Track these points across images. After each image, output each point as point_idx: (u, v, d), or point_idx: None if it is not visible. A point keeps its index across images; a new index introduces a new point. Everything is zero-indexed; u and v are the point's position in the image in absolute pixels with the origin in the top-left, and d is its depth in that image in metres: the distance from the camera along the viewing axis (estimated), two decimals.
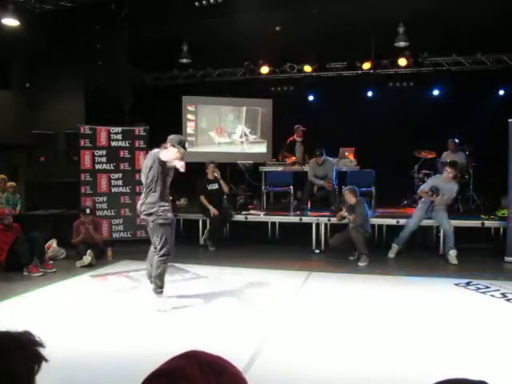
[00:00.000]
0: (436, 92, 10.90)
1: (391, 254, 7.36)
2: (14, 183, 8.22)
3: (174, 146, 4.52)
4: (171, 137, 4.65)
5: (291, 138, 9.68)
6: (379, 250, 7.67)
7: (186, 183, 10.09)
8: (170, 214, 4.67)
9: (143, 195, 4.69)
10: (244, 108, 11.48)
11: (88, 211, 7.28)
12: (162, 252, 4.62)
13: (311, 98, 11.93)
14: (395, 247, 7.36)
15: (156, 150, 4.66)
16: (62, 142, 8.92)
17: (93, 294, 5.30)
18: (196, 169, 9.26)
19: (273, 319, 4.41)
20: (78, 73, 8.96)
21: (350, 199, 7.20)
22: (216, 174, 8.14)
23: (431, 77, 10.47)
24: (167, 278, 6.02)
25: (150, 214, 4.58)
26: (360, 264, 6.85)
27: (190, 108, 11.28)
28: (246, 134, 11.43)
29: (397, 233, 7.59)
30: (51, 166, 8.77)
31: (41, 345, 0.99)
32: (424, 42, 9.26)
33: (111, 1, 8.39)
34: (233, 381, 0.78)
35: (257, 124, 11.49)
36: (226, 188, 8.29)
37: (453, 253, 6.90)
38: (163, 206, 4.59)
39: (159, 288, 4.71)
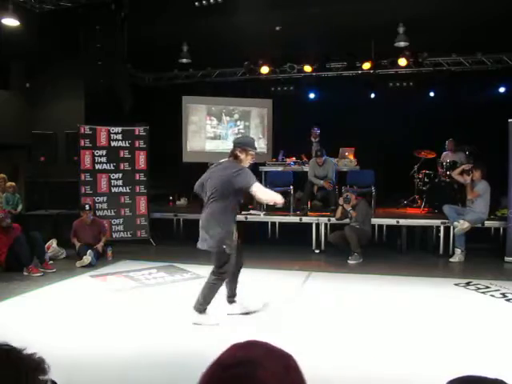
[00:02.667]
0: (436, 92, 10.89)
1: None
2: (13, 183, 8.22)
3: (245, 150, 4.04)
4: (239, 140, 4.21)
5: (308, 139, 9.71)
6: (379, 250, 7.68)
7: (186, 183, 10.12)
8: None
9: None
10: (244, 108, 11.48)
11: (87, 207, 7.29)
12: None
13: (311, 98, 11.93)
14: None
15: (228, 166, 4.05)
16: (62, 142, 8.90)
17: (93, 294, 5.30)
18: (196, 169, 9.28)
19: (273, 319, 4.41)
20: (78, 73, 8.95)
21: (351, 199, 7.30)
22: None
23: (431, 77, 10.47)
24: (167, 277, 6.04)
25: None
26: (350, 262, 6.97)
27: (190, 108, 11.28)
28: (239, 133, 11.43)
29: (397, 233, 7.60)
30: (51, 166, 8.76)
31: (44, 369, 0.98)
32: (424, 42, 9.26)
33: (111, 1, 8.40)
34: (294, 365, 0.79)
35: (257, 124, 11.49)
36: None
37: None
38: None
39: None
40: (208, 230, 4.08)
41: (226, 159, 4.16)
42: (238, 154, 4.04)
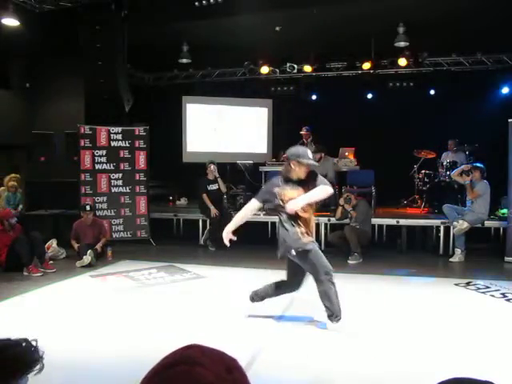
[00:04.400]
0: (436, 92, 10.89)
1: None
2: (15, 183, 8.18)
3: (299, 163, 3.85)
4: (291, 152, 3.96)
5: (300, 141, 9.66)
6: (379, 250, 7.68)
7: (186, 183, 10.14)
8: None
9: None
10: (244, 108, 11.48)
11: (88, 208, 7.28)
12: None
13: (311, 97, 11.93)
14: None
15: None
16: (62, 142, 8.91)
17: (93, 294, 5.30)
18: (196, 169, 9.29)
19: (272, 320, 4.41)
20: (78, 73, 8.95)
21: (352, 200, 7.31)
22: (216, 174, 8.17)
23: (431, 77, 10.47)
24: (167, 277, 6.04)
25: None
26: (350, 262, 6.97)
27: (190, 108, 11.28)
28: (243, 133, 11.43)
29: (397, 233, 7.60)
30: (51, 166, 8.76)
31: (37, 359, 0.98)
32: (424, 42, 9.26)
33: (111, 1, 8.39)
34: (234, 364, 0.80)
35: (257, 124, 11.49)
36: (223, 188, 8.30)
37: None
38: None
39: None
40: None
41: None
42: (293, 167, 3.90)
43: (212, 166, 8.22)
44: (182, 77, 11.79)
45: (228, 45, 9.05)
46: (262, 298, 4.39)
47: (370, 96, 11.47)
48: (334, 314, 3.95)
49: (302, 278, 4.16)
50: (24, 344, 0.99)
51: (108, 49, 8.67)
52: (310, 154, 3.98)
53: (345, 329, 4.00)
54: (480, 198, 7.11)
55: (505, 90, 10.31)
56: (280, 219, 3.98)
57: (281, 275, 6.19)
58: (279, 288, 4.33)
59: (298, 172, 3.90)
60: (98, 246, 7.07)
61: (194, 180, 8.46)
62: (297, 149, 4.07)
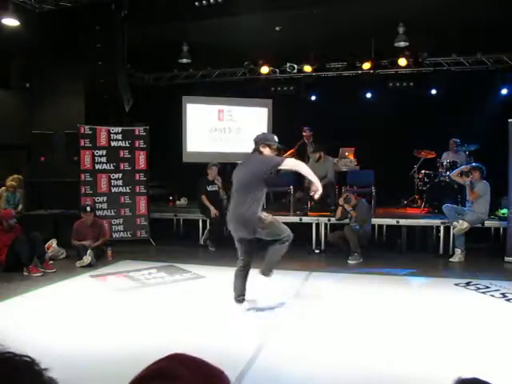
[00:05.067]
0: (436, 92, 10.89)
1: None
2: (14, 183, 8.19)
3: (269, 145, 4.29)
4: (260, 137, 4.38)
5: (301, 141, 9.67)
6: (379, 250, 7.68)
7: (186, 183, 10.13)
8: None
9: (242, 203, 4.22)
10: (244, 108, 11.48)
11: (89, 209, 7.28)
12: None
13: (311, 98, 11.93)
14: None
15: (257, 155, 4.33)
16: (61, 142, 8.91)
17: (93, 294, 5.30)
18: (196, 169, 9.29)
19: (273, 319, 4.41)
20: (78, 73, 8.95)
21: (352, 200, 7.31)
22: (217, 182, 8.18)
23: (431, 77, 10.47)
24: (167, 277, 6.04)
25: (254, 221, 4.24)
26: (350, 261, 6.98)
27: (190, 108, 11.28)
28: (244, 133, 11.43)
29: (397, 233, 7.60)
30: (51, 166, 8.76)
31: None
32: (424, 42, 9.26)
33: (111, 1, 8.39)
34: (215, 373, 0.79)
35: (257, 124, 11.48)
36: (222, 193, 8.30)
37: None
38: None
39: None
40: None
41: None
42: (261, 149, 4.30)
43: (214, 169, 8.23)
44: (182, 77, 11.78)
45: (228, 45, 9.04)
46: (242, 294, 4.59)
47: (370, 96, 11.46)
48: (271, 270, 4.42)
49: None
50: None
51: (108, 49, 8.68)
52: (276, 138, 4.40)
53: (345, 328, 4.00)
54: (480, 198, 7.11)
55: (504, 91, 10.31)
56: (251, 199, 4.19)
57: (281, 275, 6.21)
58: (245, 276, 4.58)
59: (267, 154, 4.32)
60: (95, 244, 7.02)
61: (194, 180, 8.46)
62: (263, 134, 4.47)
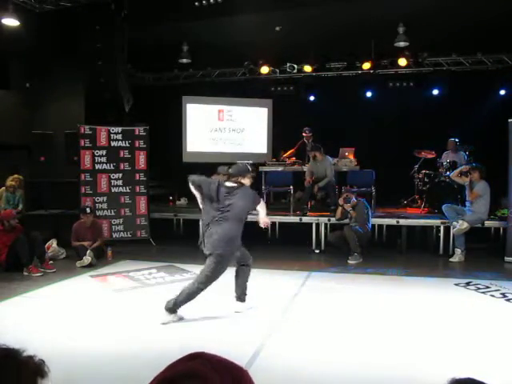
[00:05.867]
0: (436, 92, 10.89)
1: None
2: (13, 183, 8.19)
3: (245, 177, 4.49)
4: (236, 170, 4.58)
5: (302, 141, 9.66)
6: (379, 250, 7.68)
7: (186, 183, 10.12)
8: None
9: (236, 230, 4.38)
10: (244, 108, 11.48)
11: (88, 210, 7.27)
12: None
13: (311, 97, 11.93)
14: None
15: (246, 190, 4.49)
16: (61, 141, 8.91)
17: (93, 294, 5.30)
18: (196, 169, 9.28)
19: (273, 319, 4.41)
20: (78, 73, 8.95)
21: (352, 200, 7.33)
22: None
23: (431, 77, 10.47)
24: (167, 277, 6.04)
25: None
26: (350, 262, 6.98)
27: (190, 108, 11.28)
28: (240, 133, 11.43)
29: (397, 233, 7.60)
30: (51, 166, 8.76)
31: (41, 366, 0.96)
32: (424, 42, 9.27)
33: (111, 1, 8.39)
34: (242, 374, 0.78)
35: (257, 124, 11.49)
36: None
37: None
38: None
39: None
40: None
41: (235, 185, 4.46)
42: (242, 181, 4.50)
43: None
44: (182, 77, 11.79)
45: (228, 45, 9.04)
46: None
47: (370, 96, 11.46)
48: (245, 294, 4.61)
49: None
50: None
51: (108, 49, 8.68)
52: (249, 167, 4.69)
53: (345, 328, 4.00)
54: (480, 198, 7.11)
55: (502, 92, 10.32)
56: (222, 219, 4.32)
57: (280, 274, 6.22)
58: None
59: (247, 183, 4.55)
60: (93, 246, 6.97)
61: None
62: (237, 167, 4.66)
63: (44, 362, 0.98)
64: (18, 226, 6.58)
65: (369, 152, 9.26)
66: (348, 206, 7.28)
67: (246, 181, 4.55)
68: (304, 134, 9.56)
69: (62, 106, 9.33)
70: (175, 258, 7.15)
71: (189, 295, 4.22)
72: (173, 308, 4.21)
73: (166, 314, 4.21)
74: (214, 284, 5.74)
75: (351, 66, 10.58)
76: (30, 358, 0.96)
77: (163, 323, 4.16)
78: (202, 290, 4.24)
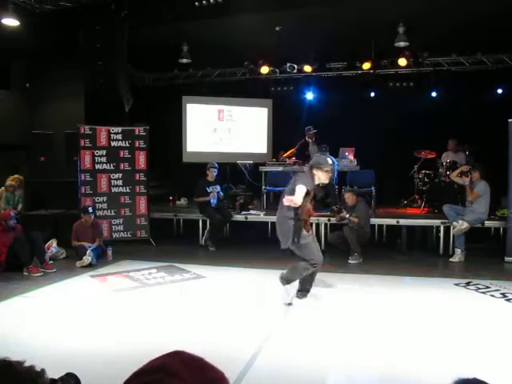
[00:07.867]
0: (436, 92, 10.89)
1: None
2: (13, 182, 8.18)
3: (319, 168, 4.62)
4: (314, 161, 4.80)
5: (302, 140, 9.64)
6: (379, 250, 7.67)
7: (186, 183, 10.13)
8: None
9: None
10: (244, 108, 11.48)
11: (90, 210, 7.27)
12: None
13: (311, 98, 11.93)
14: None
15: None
16: (61, 142, 8.90)
17: (93, 294, 5.30)
18: (196, 169, 9.29)
19: (273, 319, 4.41)
20: (78, 73, 8.94)
21: (351, 200, 7.29)
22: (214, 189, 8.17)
23: (431, 77, 10.47)
24: (167, 277, 6.05)
25: None
26: (351, 261, 6.99)
27: (190, 108, 11.28)
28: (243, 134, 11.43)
29: (397, 233, 7.60)
30: (51, 166, 8.76)
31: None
32: (424, 42, 9.26)
33: (111, 1, 8.39)
34: (215, 376, 0.79)
35: (257, 124, 11.49)
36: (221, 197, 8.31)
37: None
38: None
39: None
40: None
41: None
42: (314, 172, 4.65)
43: (212, 170, 8.21)
44: (182, 77, 11.79)
45: (228, 45, 9.04)
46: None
47: (370, 96, 11.46)
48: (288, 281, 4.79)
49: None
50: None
51: (108, 49, 8.67)
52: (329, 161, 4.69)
53: (345, 328, 4.00)
54: (480, 198, 7.10)
55: (502, 92, 10.32)
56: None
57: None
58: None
59: (320, 177, 4.67)
60: (93, 246, 6.98)
61: (194, 180, 8.46)
62: (316, 158, 4.88)
63: (44, 370, 0.97)
64: (18, 226, 6.58)
65: (369, 152, 9.25)
66: (345, 213, 7.27)
67: (319, 174, 4.64)
68: (309, 133, 9.53)
69: (61, 106, 9.33)
70: (175, 258, 7.15)
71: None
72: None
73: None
74: (214, 284, 5.76)
75: (351, 66, 10.58)
76: (31, 367, 0.96)
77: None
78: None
